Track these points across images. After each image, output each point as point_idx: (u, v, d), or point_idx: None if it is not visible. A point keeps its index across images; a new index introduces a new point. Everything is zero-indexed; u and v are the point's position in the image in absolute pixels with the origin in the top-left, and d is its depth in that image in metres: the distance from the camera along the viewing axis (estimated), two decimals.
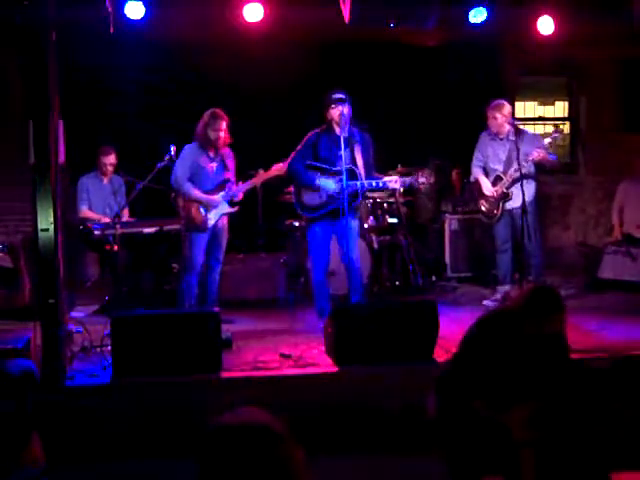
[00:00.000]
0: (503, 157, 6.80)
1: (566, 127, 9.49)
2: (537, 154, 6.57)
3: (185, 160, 6.13)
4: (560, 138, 6.86)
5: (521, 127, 7.16)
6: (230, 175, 6.25)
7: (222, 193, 6.18)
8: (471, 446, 3.29)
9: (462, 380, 3.40)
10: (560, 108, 9.50)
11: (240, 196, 6.26)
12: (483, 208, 6.98)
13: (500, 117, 6.74)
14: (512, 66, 8.86)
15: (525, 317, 3.44)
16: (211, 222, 6.14)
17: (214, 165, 6.19)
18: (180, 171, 6.13)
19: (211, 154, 6.17)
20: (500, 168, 6.82)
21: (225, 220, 6.29)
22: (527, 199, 6.60)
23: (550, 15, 6.73)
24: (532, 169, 6.74)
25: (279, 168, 6.20)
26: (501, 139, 6.84)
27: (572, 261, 8.78)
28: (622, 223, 7.90)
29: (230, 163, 6.24)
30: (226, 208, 6.21)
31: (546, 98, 9.44)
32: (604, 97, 8.97)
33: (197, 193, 6.14)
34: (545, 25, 6.76)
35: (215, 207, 6.16)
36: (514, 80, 9.07)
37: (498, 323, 3.56)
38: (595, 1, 7.02)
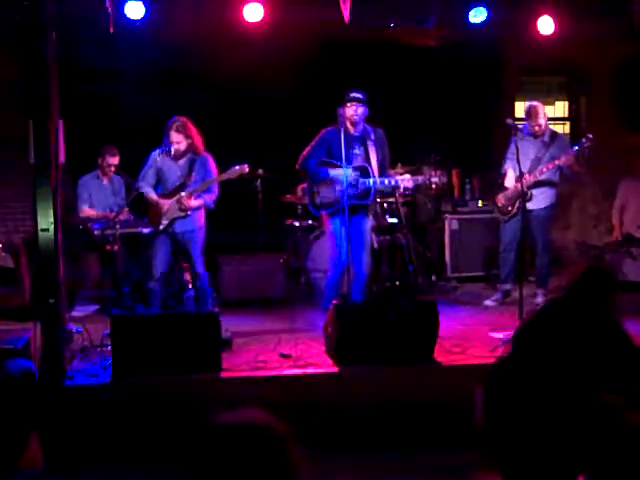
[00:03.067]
0: (532, 156, 6.68)
1: (566, 127, 9.49)
2: (564, 159, 6.49)
3: (148, 162, 6.00)
4: (590, 146, 6.54)
5: (557, 131, 7.10)
6: (192, 182, 5.94)
7: (176, 197, 5.92)
8: (528, 445, 3.28)
9: (521, 375, 3.38)
10: (560, 108, 9.50)
11: (189, 203, 5.90)
12: (499, 203, 6.92)
13: (543, 120, 6.66)
14: (512, 66, 8.85)
15: (585, 299, 3.44)
16: (162, 225, 5.90)
17: (177, 170, 5.98)
18: (141, 173, 6.04)
19: (175, 158, 5.96)
20: (527, 166, 6.63)
21: (191, 226, 5.98)
22: (546, 203, 6.63)
23: (550, 15, 6.73)
24: (556, 174, 6.69)
25: (235, 171, 5.92)
26: (535, 138, 6.73)
27: (572, 261, 8.77)
28: (622, 223, 7.89)
29: (195, 171, 5.95)
30: (177, 213, 5.92)
31: (546, 98, 9.43)
32: (604, 97, 8.96)
33: (150, 195, 5.98)
34: (545, 25, 6.77)
35: (167, 211, 5.92)
36: (514, 80, 9.07)
37: (555, 312, 3.55)
38: (595, 1, 7.02)
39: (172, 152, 5.88)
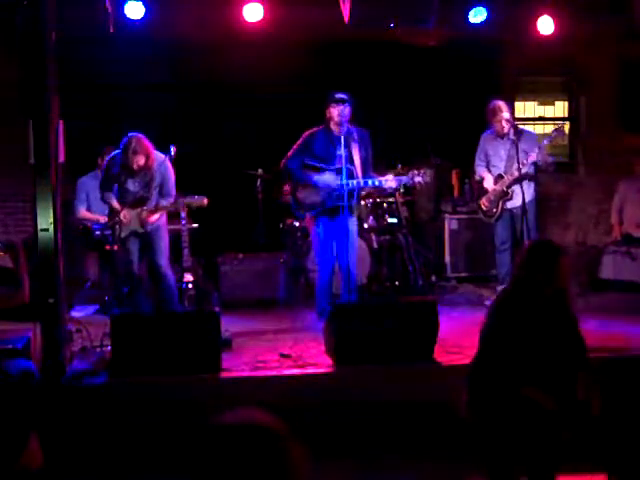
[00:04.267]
0: (504, 156, 6.76)
1: (566, 127, 9.47)
2: (535, 155, 6.55)
3: (106, 172, 6.04)
4: (561, 136, 6.82)
5: (520, 126, 7.14)
6: (152, 191, 5.93)
7: (137, 211, 5.92)
8: (510, 437, 3.30)
9: (494, 368, 3.40)
10: (560, 108, 9.49)
11: (149, 220, 5.93)
12: (483, 207, 6.95)
13: (503, 118, 6.70)
14: (512, 66, 8.85)
15: (536, 275, 3.44)
16: (123, 233, 5.93)
17: (136, 182, 5.94)
18: (100, 182, 6.11)
19: (133, 174, 5.92)
20: (502, 167, 6.78)
21: (156, 225, 5.99)
22: (527, 198, 6.61)
23: (550, 15, 6.73)
24: (532, 169, 6.74)
25: (193, 201, 5.97)
26: (502, 138, 6.79)
27: (572, 261, 8.77)
28: (622, 223, 7.89)
29: (154, 180, 5.91)
30: (136, 227, 5.95)
31: (546, 98, 9.43)
32: (604, 97, 8.97)
33: (114, 204, 5.98)
34: (545, 25, 6.77)
35: (127, 222, 5.93)
36: (514, 80, 9.07)
37: (511, 295, 3.57)
38: (595, 1, 7.03)
39: (132, 169, 5.85)
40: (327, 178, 5.97)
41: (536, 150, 6.57)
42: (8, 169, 7.15)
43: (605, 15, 7.10)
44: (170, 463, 4.34)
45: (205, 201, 5.96)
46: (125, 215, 5.92)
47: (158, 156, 5.94)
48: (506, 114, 6.68)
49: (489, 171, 6.92)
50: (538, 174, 6.89)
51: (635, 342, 5.55)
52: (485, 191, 6.90)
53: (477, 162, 7.01)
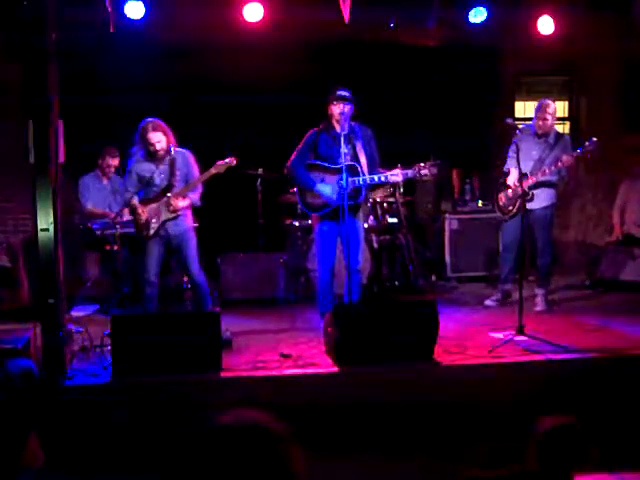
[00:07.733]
0: (536, 156, 6.62)
1: (566, 127, 9.48)
2: (567, 160, 6.38)
3: (128, 173, 5.97)
4: (593, 149, 6.34)
5: (563, 133, 7.01)
6: (177, 180, 5.84)
7: (163, 200, 5.83)
8: None
9: None
10: (560, 108, 9.49)
11: (177, 205, 5.80)
12: (500, 202, 6.84)
13: (550, 117, 6.60)
14: (512, 66, 8.86)
15: None
16: (152, 230, 5.83)
17: (160, 172, 5.85)
18: (125, 183, 6.05)
19: (154, 161, 5.85)
20: (529, 166, 6.56)
21: (183, 227, 5.91)
22: (548, 202, 6.59)
23: (550, 15, 6.74)
24: (555, 175, 6.59)
25: (221, 165, 5.80)
26: (540, 138, 6.65)
27: (572, 261, 8.78)
28: (623, 223, 7.89)
29: (178, 170, 5.84)
30: (166, 215, 5.83)
31: (546, 98, 9.43)
32: (604, 97, 8.97)
33: (134, 201, 5.90)
34: (545, 25, 6.78)
35: (155, 214, 5.85)
36: (514, 80, 9.07)
37: None
38: (595, 1, 7.04)
39: (154, 153, 5.77)
40: (327, 189, 5.93)
41: (569, 155, 6.42)
42: (8, 169, 7.15)
43: (605, 15, 7.10)
44: (170, 463, 4.34)
45: (234, 161, 5.81)
46: (144, 211, 5.82)
47: (180, 149, 5.88)
48: (548, 115, 6.57)
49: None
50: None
51: (635, 342, 5.55)
52: (506, 187, 6.80)
53: (509, 154, 6.77)
